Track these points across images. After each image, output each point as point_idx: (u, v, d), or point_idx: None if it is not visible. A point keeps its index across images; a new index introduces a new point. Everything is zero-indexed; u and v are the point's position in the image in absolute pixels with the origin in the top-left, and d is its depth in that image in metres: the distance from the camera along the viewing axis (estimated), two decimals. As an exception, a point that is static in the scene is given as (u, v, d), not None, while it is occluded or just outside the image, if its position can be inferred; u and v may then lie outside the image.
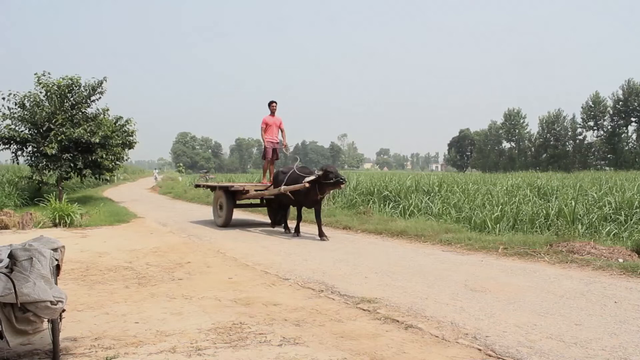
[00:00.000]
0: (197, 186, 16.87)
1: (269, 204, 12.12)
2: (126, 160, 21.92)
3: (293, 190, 9.60)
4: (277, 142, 12.29)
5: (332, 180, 9.16)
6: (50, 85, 17.40)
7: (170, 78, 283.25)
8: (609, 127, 71.13)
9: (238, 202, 11.94)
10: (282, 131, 12.31)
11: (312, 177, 9.28)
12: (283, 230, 10.95)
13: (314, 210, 9.85)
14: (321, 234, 9.48)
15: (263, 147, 12.20)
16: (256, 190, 11.42)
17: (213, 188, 13.45)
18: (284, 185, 9.93)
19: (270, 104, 12.06)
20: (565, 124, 77.11)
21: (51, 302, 2.99)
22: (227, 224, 11.73)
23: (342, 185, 9.54)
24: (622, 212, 9.23)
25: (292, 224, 11.02)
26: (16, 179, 19.23)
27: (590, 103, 72.92)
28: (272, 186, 10.92)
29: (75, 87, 17.91)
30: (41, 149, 16.94)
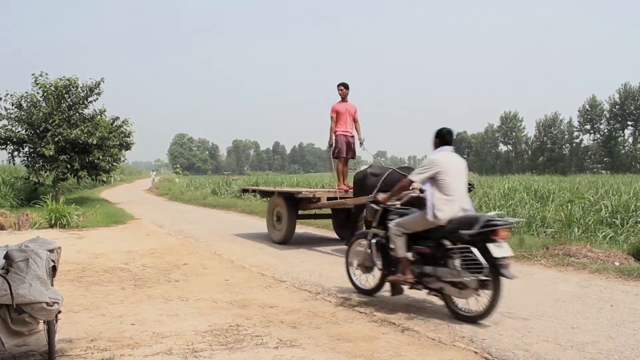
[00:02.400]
0: (245, 191, 12.96)
1: (335, 215, 10.08)
2: (123, 161, 21.91)
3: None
4: (352, 136, 9.49)
5: None
6: (48, 86, 17.36)
7: (167, 79, 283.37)
8: (606, 130, 71.40)
9: (301, 212, 9.55)
10: (355, 122, 9.49)
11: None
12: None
13: None
14: None
15: (334, 141, 9.29)
16: (330, 199, 8.82)
17: (267, 194, 10.70)
18: (378, 191, 6.54)
19: (337, 87, 9.46)
20: (562, 127, 77.35)
21: (47, 303, 2.99)
22: (288, 239, 9.15)
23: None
24: (619, 216, 9.25)
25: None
26: (12, 180, 19.15)
27: (587, 106, 73.19)
28: (354, 192, 8.41)
29: (73, 87, 17.87)
30: (38, 149, 16.90)
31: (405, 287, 5.00)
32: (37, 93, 17.49)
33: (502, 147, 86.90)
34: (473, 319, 4.38)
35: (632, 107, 68.13)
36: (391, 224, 4.97)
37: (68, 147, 17.39)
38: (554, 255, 7.21)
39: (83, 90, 18.07)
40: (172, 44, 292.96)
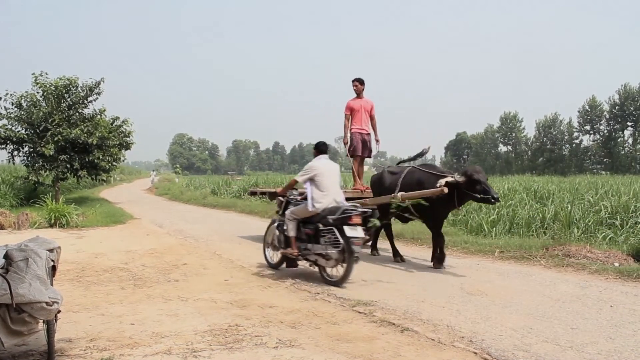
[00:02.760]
0: (253, 194, 12.44)
1: None
2: (123, 161, 21.91)
3: (417, 197, 6.61)
4: (368, 134, 9.03)
5: (478, 195, 6.17)
6: (48, 86, 17.36)
7: (167, 79, 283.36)
8: (605, 131, 71.36)
9: None
10: (372, 119, 9.02)
11: (449, 179, 6.33)
12: (370, 252, 8.10)
13: (432, 226, 7.05)
14: (442, 259, 6.85)
15: (349, 140, 8.91)
16: (347, 200, 7.73)
17: (275, 196, 9.58)
18: (400, 190, 6.93)
19: (352, 83, 8.96)
20: (561, 127, 77.32)
21: (47, 303, 2.98)
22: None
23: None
24: (618, 217, 9.26)
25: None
26: (12, 179, 19.17)
27: (587, 107, 73.18)
28: (373, 193, 8.01)
29: (73, 87, 17.88)
30: (38, 149, 16.90)
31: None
32: (37, 93, 17.49)
33: (502, 148, 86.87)
34: (335, 283, 5.87)
35: (631, 108, 68.10)
36: (287, 212, 6.55)
37: (68, 147, 17.39)
38: (554, 255, 7.22)
39: (83, 90, 18.07)
40: (172, 44, 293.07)
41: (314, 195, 6.21)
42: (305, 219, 6.34)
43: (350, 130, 8.88)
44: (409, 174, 7.14)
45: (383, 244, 8.41)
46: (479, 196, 6.18)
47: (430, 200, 6.52)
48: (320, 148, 6.68)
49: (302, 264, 6.68)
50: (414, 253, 8.32)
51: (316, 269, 6.29)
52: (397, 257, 7.54)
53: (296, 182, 6.69)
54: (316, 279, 6.23)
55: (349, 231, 5.77)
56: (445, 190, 6.23)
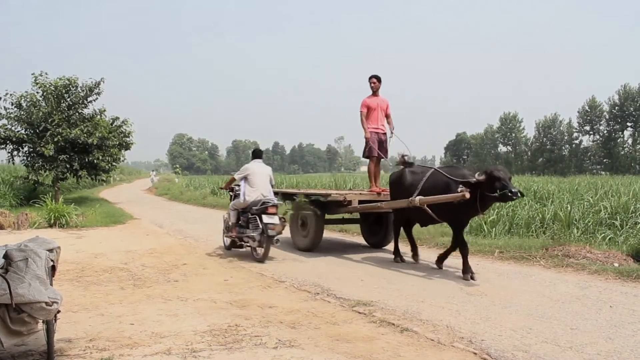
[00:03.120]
0: None
1: (364, 220, 9.17)
2: (122, 161, 21.90)
3: (438, 202, 6.36)
4: (384, 133, 8.58)
5: (496, 194, 5.83)
6: (47, 86, 17.37)
7: (167, 79, 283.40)
8: (605, 131, 71.37)
9: (328, 217, 8.67)
10: (387, 117, 8.63)
11: (470, 181, 6.03)
12: (394, 259, 7.54)
13: (453, 233, 6.63)
14: (467, 270, 6.20)
15: (365, 140, 8.45)
16: (362, 202, 7.87)
17: (290, 196, 9.40)
18: (419, 194, 6.61)
19: (370, 79, 8.59)
20: (561, 128, 77.33)
21: (46, 303, 2.98)
22: (315, 246, 8.37)
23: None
24: (618, 217, 9.26)
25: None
26: (12, 179, 19.17)
27: (587, 107, 73.20)
28: (391, 194, 7.58)
29: (72, 87, 17.89)
30: (37, 149, 16.90)
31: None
32: (37, 93, 17.51)
33: (502, 148, 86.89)
34: (259, 260, 7.45)
35: (631, 109, 68.12)
36: (230, 204, 8.37)
37: (67, 147, 17.39)
38: (553, 256, 7.22)
39: (83, 90, 18.08)
40: (172, 44, 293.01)
41: (246, 190, 7.85)
42: (243, 209, 7.92)
43: (368, 129, 8.40)
44: (432, 176, 6.72)
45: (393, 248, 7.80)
46: (497, 194, 5.81)
47: (451, 206, 6.23)
48: (256, 153, 8.43)
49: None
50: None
51: (249, 249, 7.84)
52: (397, 257, 7.49)
53: (234, 179, 8.39)
54: (316, 279, 6.25)
55: (266, 218, 7.43)
56: (467, 195, 5.93)
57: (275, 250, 8.55)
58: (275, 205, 7.69)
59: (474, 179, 6.03)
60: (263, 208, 7.54)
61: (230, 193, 8.87)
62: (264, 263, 7.35)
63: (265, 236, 7.34)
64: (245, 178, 7.91)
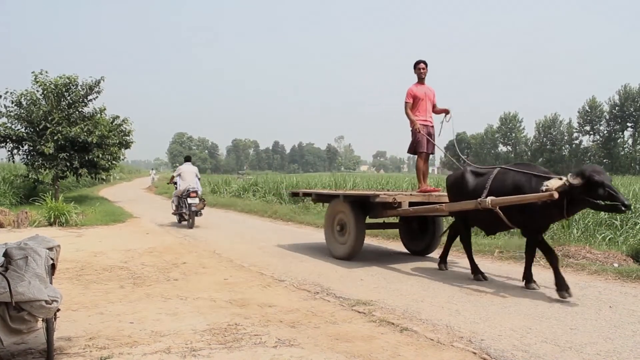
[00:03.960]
0: (295, 195, 10.12)
1: (405, 223, 8.17)
2: (122, 159, 21.93)
3: (515, 203, 5.39)
4: (433, 126, 7.82)
5: (602, 202, 4.94)
6: (47, 84, 17.37)
7: (167, 78, 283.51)
8: (605, 132, 71.48)
9: (369, 220, 7.73)
10: (434, 108, 7.88)
11: (559, 183, 5.06)
12: (438, 266, 6.87)
13: (527, 239, 5.77)
14: (562, 285, 5.17)
15: (412, 132, 7.66)
16: (415, 204, 6.93)
17: (326, 198, 8.62)
18: (488, 194, 5.66)
19: (417, 65, 7.73)
20: (561, 128, 77.40)
21: (46, 301, 2.98)
22: (355, 254, 7.40)
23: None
24: (618, 217, 9.26)
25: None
26: (12, 178, 19.17)
27: (587, 108, 73.24)
28: (450, 196, 6.57)
29: (72, 86, 17.90)
30: (37, 147, 16.90)
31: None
32: (37, 91, 17.50)
33: (502, 148, 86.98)
34: (189, 227, 11.55)
35: (631, 109, 68.20)
36: (173, 193, 12.67)
37: (67, 145, 17.39)
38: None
39: (83, 89, 18.08)
40: (172, 44, 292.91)
41: (180, 183, 12.44)
42: (179, 195, 12.29)
43: (415, 122, 7.56)
44: (500, 174, 5.85)
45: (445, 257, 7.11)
46: (602, 203, 4.90)
47: (529, 207, 5.33)
48: (186, 158, 13.37)
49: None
50: (411, 254, 8.31)
51: (185, 222, 12.11)
52: (477, 274, 6.15)
53: (174, 177, 13.00)
54: (316, 278, 6.25)
55: (190, 200, 11.81)
56: (556, 195, 4.98)
57: (276, 249, 8.57)
58: (195, 191, 11.98)
59: (566, 183, 5.00)
60: (188, 193, 11.89)
61: (175, 185, 12.93)
62: (192, 228, 11.66)
63: (190, 212, 11.77)
64: (179, 175, 12.54)
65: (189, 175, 12.32)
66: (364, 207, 7.35)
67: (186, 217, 11.88)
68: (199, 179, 12.57)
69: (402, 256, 7.99)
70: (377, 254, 8.24)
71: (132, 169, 68.38)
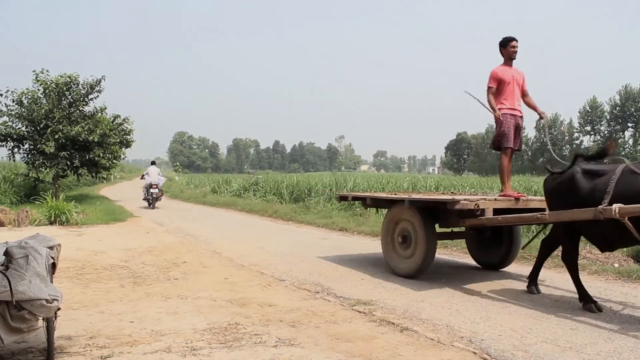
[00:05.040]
0: (343, 199, 8.42)
1: (477, 232, 6.85)
2: (123, 159, 21.97)
3: None
4: (522, 116, 6.55)
5: None
6: (49, 83, 17.37)
7: (168, 77, 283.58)
8: (606, 132, 71.41)
9: (440, 230, 6.58)
10: (525, 96, 6.60)
11: None
12: (527, 288, 5.60)
13: None
14: None
15: (496, 123, 6.42)
16: (502, 212, 5.82)
17: (385, 203, 7.38)
18: (612, 200, 4.43)
19: (508, 43, 6.41)
20: (562, 128, 77.31)
21: (46, 300, 2.98)
22: (423, 270, 6.14)
23: None
24: (618, 217, 9.25)
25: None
26: (12, 176, 19.18)
27: (588, 108, 73.20)
28: (552, 203, 5.29)
29: (74, 85, 17.88)
30: (38, 146, 16.91)
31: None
32: (38, 90, 17.49)
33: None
34: (152, 208, 17.37)
35: (632, 109, 68.16)
36: (143, 184, 18.55)
37: (68, 144, 17.39)
38: (553, 256, 7.16)
39: (84, 88, 18.08)
40: (173, 43, 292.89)
41: (147, 178, 17.91)
42: (146, 187, 17.70)
43: (499, 109, 6.34)
44: (627, 175, 4.54)
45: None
46: None
47: None
48: (152, 162, 19.21)
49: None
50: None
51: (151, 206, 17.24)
52: (588, 302, 4.83)
53: (143, 175, 18.51)
54: (316, 277, 6.26)
55: (151, 190, 17.60)
56: None
57: (276, 248, 8.58)
58: (156, 184, 17.72)
59: None
60: (149, 185, 17.68)
61: (142, 180, 18.95)
62: (154, 209, 17.06)
63: (152, 197, 17.65)
64: (147, 173, 18.13)
65: (153, 174, 17.87)
66: (433, 213, 6.22)
67: (150, 202, 17.64)
68: (161, 176, 18.98)
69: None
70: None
71: (132, 168, 68.33)
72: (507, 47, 6.42)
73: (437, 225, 6.33)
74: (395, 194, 7.74)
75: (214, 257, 7.76)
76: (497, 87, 6.36)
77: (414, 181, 17.48)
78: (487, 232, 6.86)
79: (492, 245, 6.94)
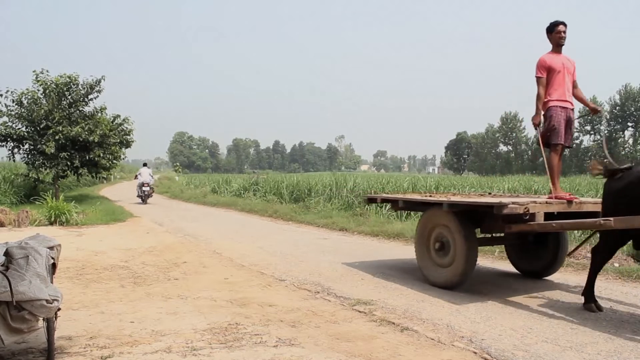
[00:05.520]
0: (372, 201, 7.64)
1: (518, 238, 6.25)
2: (123, 159, 22.02)
3: None
4: (573, 109, 5.91)
5: None
6: (49, 83, 17.37)
7: (168, 77, 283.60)
8: (606, 131, 71.34)
9: (481, 235, 6.13)
10: (575, 87, 5.95)
11: None
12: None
13: None
14: None
15: (545, 118, 5.80)
16: (550, 216, 5.27)
17: (419, 206, 6.84)
18: None
19: (555, 27, 5.81)
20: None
21: (47, 300, 2.98)
22: (464, 280, 5.54)
23: None
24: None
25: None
26: (12, 177, 19.18)
27: (588, 108, 73.19)
28: (612, 206, 4.67)
29: (73, 85, 17.89)
30: (38, 147, 16.91)
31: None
32: (38, 90, 17.49)
33: (503, 148, 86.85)
34: (144, 204, 20.04)
35: (632, 109, 68.12)
36: (137, 183, 21.23)
37: (68, 145, 17.39)
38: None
39: (84, 88, 18.09)
40: (173, 43, 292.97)
41: (139, 178, 20.34)
42: (139, 185, 20.22)
43: (547, 102, 5.74)
44: None
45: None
46: None
47: None
48: (144, 164, 21.83)
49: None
50: (413, 252, 8.29)
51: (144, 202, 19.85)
52: (591, 302, 4.78)
53: (137, 175, 20.86)
54: (317, 277, 6.25)
55: (143, 188, 20.24)
56: None
57: (276, 248, 8.58)
58: (147, 183, 20.24)
59: None
60: (142, 184, 20.03)
61: (135, 180, 21.15)
62: (146, 204, 19.68)
63: (144, 194, 20.13)
64: (140, 174, 20.33)
65: (145, 174, 20.43)
66: (475, 218, 5.72)
67: (143, 198, 20.25)
68: (152, 176, 21.48)
69: (402, 256, 7.96)
70: (379, 249, 8.22)
71: (132, 168, 68.30)
72: (553, 32, 5.82)
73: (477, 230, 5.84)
74: (430, 196, 7.03)
75: (214, 257, 7.75)
76: (547, 77, 5.75)
77: (414, 181, 17.46)
78: (530, 236, 6.21)
79: (536, 250, 6.27)
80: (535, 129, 5.85)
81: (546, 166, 5.89)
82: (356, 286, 5.79)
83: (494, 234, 6.22)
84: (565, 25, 5.80)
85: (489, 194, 7.35)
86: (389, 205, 12.81)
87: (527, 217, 5.09)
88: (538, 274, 6.25)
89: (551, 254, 6.09)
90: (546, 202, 5.35)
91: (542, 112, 5.74)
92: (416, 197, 6.98)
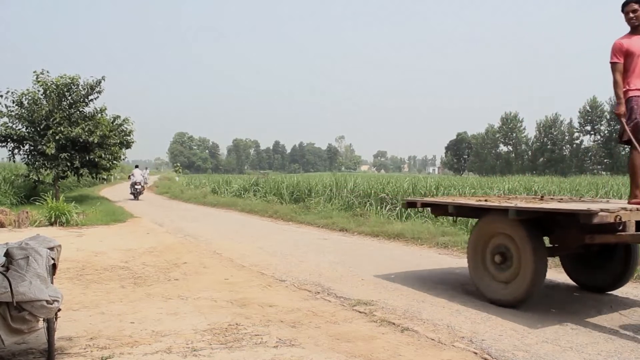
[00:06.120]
0: (411, 205, 6.67)
1: (585, 249, 5.23)
2: (123, 159, 22.12)
3: None
4: None
5: None
6: (49, 84, 17.38)
7: (168, 77, 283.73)
8: (606, 131, 71.34)
9: (553, 247, 5.23)
10: None
11: None
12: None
13: None
14: None
15: (622, 110, 4.87)
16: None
17: (470, 212, 5.86)
18: None
19: (624, 8, 5.03)
20: (562, 128, 77.31)
21: (47, 301, 2.98)
22: (529, 297, 4.75)
23: None
24: (618, 217, 9.23)
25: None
26: (12, 177, 19.19)
27: (588, 107, 73.16)
28: None
29: (74, 85, 17.90)
30: (38, 147, 16.92)
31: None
32: (38, 91, 17.50)
33: (503, 148, 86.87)
34: (136, 200, 22.63)
35: (632, 109, 68.11)
36: (129, 182, 23.95)
37: (69, 145, 17.40)
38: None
39: (84, 89, 18.10)
40: (173, 43, 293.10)
41: (132, 178, 22.99)
42: (131, 184, 22.87)
43: (626, 92, 4.92)
44: None
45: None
46: None
47: None
48: (136, 165, 29.07)
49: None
50: (413, 252, 8.31)
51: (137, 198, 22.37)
52: None
53: (129, 175, 23.42)
54: (317, 278, 6.26)
55: (136, 186, 22.86)
56: None
57: (276, 248, 8.58)
58: (139, 182, 22.78)
59: None
60: (134, 183, 22.68)
61: (129, 179, 23.03)
62: (139, 200, 22.01)
63: (136, 192, 22.77)
64: (132, 174, 22.84)
65: (137, 174, 22.92)
66: (541, 226, 4.97)
67: (135, 195, 22.54)
68: (144, 176, 24.66)
69: (402, 256, 7.93)
70: (379, 250, 8.21)
71: (132, 169, 68.62)
72: (625, 14, 5.03)
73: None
74: (487, 200, 5.85)
75: (214, 258, 7.75)
76: (624, 63, 4.94)
77: (414, 181, 17.47)
78: (595, 246, 5.15)
79: (601, 261, 5.43)
80: (620, 120, 4.96)
81: (629, 166, 5.00)
82: (356, 286, 5.78)
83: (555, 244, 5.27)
84: (637, 3, 4.94)
85: (541, 197, 6.27)
86: (388, 207, 12.91)
87: (620, 226, 4.49)
88: (602, 288, 5.46)
89: (620, 266, 5.28)
90: (637, 209, 4.47)
91: (624, 104, 4.89)
92: (471, 202, 5.79)
